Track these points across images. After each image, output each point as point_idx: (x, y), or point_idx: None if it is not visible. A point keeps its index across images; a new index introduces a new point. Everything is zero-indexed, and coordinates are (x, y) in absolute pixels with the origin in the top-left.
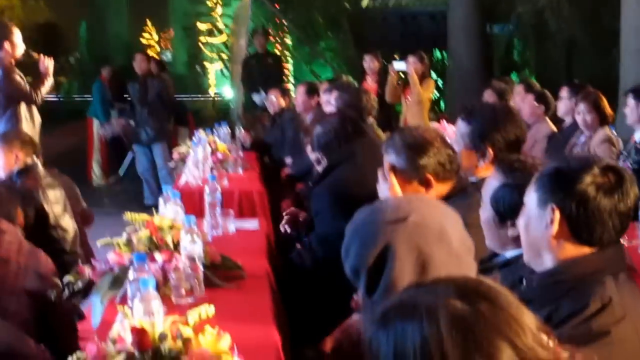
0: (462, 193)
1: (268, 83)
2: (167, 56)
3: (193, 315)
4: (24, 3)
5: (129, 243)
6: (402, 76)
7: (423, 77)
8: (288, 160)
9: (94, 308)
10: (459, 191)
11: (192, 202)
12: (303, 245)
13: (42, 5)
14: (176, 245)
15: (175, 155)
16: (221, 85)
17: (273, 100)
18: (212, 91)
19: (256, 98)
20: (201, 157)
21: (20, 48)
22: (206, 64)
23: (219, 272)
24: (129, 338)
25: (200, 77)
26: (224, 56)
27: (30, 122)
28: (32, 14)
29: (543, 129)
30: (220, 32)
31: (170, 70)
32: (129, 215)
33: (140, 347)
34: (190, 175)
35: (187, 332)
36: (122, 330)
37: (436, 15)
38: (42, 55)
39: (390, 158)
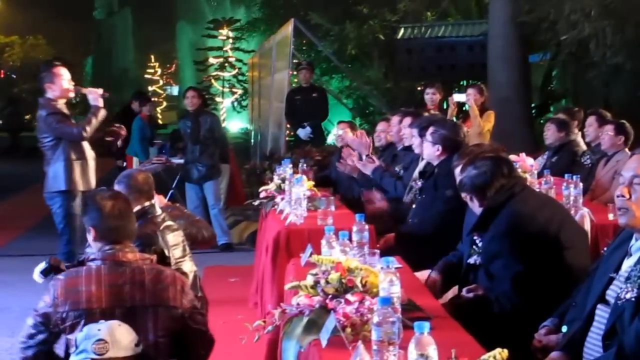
0: None
1: (314, 117)
2: (172, 90)
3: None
4: (24, 40)
5: (316, 285)
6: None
7: (483, 109)
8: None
9: (286, 352)
10: None
11: (302, 241)
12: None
13: (42, 42)
14: (364, 286)
15: (262, 193)
16: (232, 119)
17: (342, 135)
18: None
19: (301, 133)
20: (302, 195)
21: (65, 88)
22: (217, 98)
23: (404, 314)
24: None
25: None
26: (238, 90)
27: (81, 160)
28: (32, 51)
29: (624, 159)
30: (232, 66)
31: (177, 104)
32: (315, 258)
33: None
34: (293, 215)
35: None
36: None
37: (474, 46)
38: (89, 88)
39: None
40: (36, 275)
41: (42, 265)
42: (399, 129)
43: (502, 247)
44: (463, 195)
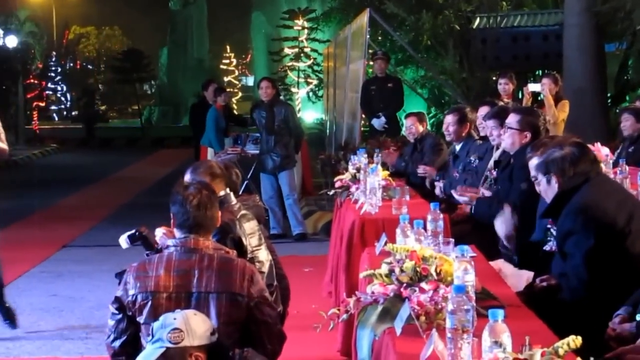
0: None
1: (388, 107)
2: (247, 80)
3: (562, 347)
4: (100, 31)
5: (390, 274)
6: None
7: (557, 98)
8: (439, 184)
9: (360, 341)
10: None
11: (376, 230)
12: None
13: (118, 33)
14: (438, 274)
15: (337, 183)
16: (307, 109)
17: (411, 126)
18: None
19: (375, 123)
20: (377, 184)
21: None
22: (292, 88)
23: (478, 302)
24: None
25: None
26: (313, 80)
27: None
28: (108, 42)
29: None
30: (307, 56)
31: (252, 94)
32: (390, 246)
33: None
34: (367, 204)
35: None
36: None
37: (549, 35)
38: None
39: None
40: (122, 240)
41: (131, 232)
42: (456, 128)
43: (575, 224)
44: (540, 177)
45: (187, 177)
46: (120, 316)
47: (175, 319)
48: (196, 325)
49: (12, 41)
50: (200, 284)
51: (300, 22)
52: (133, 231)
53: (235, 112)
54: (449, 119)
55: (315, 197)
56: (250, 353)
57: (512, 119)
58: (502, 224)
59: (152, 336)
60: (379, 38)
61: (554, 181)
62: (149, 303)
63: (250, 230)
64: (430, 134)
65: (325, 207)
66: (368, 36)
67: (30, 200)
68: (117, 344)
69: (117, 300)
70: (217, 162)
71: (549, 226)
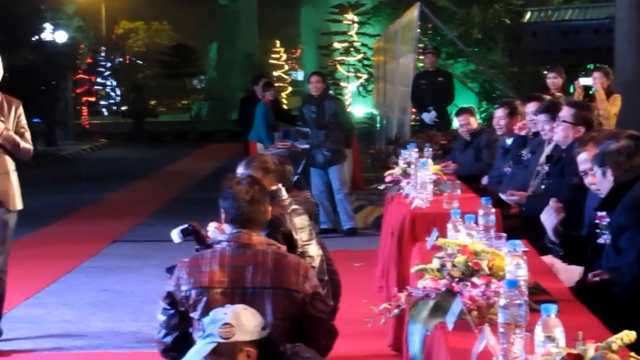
0: None
1: (439, 101)
2: (297, 75)
3: (615, 342)
4: (149, 26)
5: (442, 269)
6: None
7: (609, 92)
8: (484, 180)
9: (412, 336)
10: None
11: (427, 225)
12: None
13: (167, 28)
14: (490, 269)
15: (388, 178)
16: (357, 104)
17: (465, 123)
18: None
19: (426, 117)
20: (428, 179)
21: None
22: (342, 83)
23: (530, 297)
24: None
25: None
26: (363, 75)
27: None
28: (157, 37)
29: None
30: (357, 51)
31: (302, 89)
32: (441, 241)
33: None
34: (418, 199)
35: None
36: None
37: (600, 29)
38: None
39: None
40: (174, 234)
41: (183, 226)
42: (507, 121)
43: (629, 220)
44: (596, 169)
45: (240, 170)
46: (172, 312)
47: (225, 314)
48: (247, 320)
49: (61, 36)
50: (255, 279)
51: (350, 16)
52: (185, 225)
53: (284, 107)
54: (499, 113)
55: (365, 192)
56: (302, 348)
57: (566, 113)
58: (549, 218)
59: (203, 331)
60: (429, 32)
61: (609, 174)
62: (204, 299)
63: (300, 225)
64: (485, 130)
65: (376, 201)
66: (418, 30)
67: (79, 195)
68: (168, 339)
69: (170, 295)
70: (272, 157)
71: (597, 221)
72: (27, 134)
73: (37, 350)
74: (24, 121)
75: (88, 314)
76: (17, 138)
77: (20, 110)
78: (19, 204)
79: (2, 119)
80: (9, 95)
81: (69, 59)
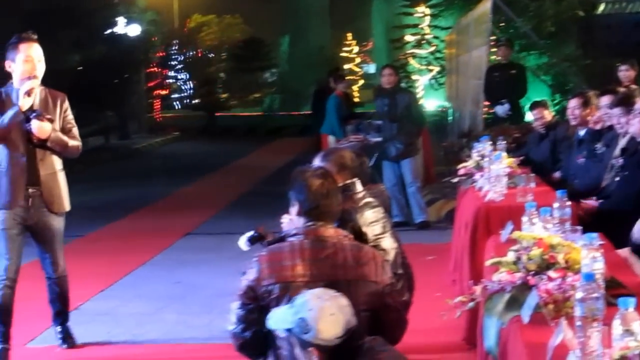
0: None
1: (512, 94)
2: (369, 68)
3: None
4: (221, 20)
5: (517, 262)
6: None
7: None
8: (557, 174)
9: (487, 329)
10: None
11: (501, 218)
12: None
13: (239, 21)
14: (566, 262)
15: (461, 171)
16: (429, 97)
17: (539, 116)
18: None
19: (499, 110)
20: (501, 172)
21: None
22: (414, 76)
23: (607, 291)
24: None
25: None
26: (435, 68)
27: None
28: (229, 30)
29: None
30: (429, 43)
31: (374, 82)
32: (516, 234)
33: None
34: (492, 192)
35: None
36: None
37: None
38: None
39: None
40: (242, 242)
41: (250, 233)
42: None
43: None
44: None
45: (316, 163)
46: (252, 306)
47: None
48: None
49: (134, 30)
50: (337, 272)
51: (421, 9)
52: (252, 232)
53: (355, 100)
54: (573, 103)
55: (437, 185)
56: (378, 341)
57: None
58: None
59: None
60: (501, 25)
61: None
62: (287, 293)
63: (373, 218)
64: (561, 122)
65: (448, 194)
66: (491, 23)
67: (152, 188)
68: (247, 334)
69: (250, 289)
70: (350, 153)
71: None
72: (75, 130)
73: (111, 342)
74: (70, 116)
75: (161, 306)
76: (65, 138)
77: (66, 104)
78: (66, 206)
79: (49, 116)
80: (54, 90)
81: (141, 53)
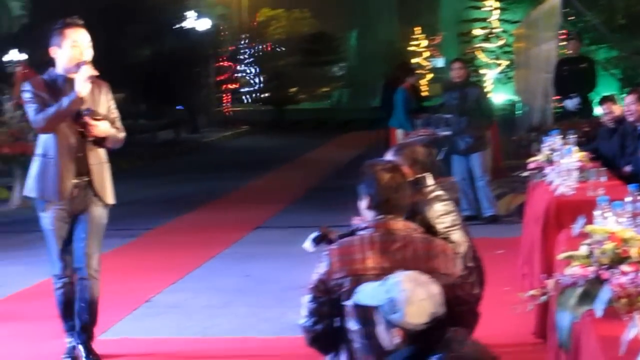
0: None
1: (582, 88)
2: (437, 62)
3: None
4: (290, 14)
5: (590, 256)
6: None
7: None
8: (627, 168)
9: (560, 323)
10: None
11: (572, 212)
12: None
13: (307, 16)
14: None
15: (531, 165)
16: (497, 91)
17: (609, 111)
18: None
19: (569, 104)
20: (572, 166)
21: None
22: (482, 70)
23: None
24: None
25: None
26: (503, 61)
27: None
28: (297, 25)
29: None
30: (497, 37)
31: (442, 76)
32: (589, 228)
33: None
34: (563, 186)
35: None
36: None
37: None
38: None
39: None
40: (308, 243)
41: (314, 234)
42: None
43: None
44: None
45: (389, 157)
46: (323, 299)
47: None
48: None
49: (203, 24)
50: (409, 265)
51: (490, 2)
52: (316, 233)
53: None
54: (628, 100)
55: (506, 179)
56: (460, 333)
57: None
58: None
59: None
60: (569, 18)
61: None
62: (359, 286)
63: (443, 211)
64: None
65: (517, 188)
66: (561, 16)
67: (222, 182)
68: (319, 327)
69: (321, 282)
70: (422, 147)
71: None
72: (118, 120)
73: (182, 335)
74: (114, 105)
75: (232, 299)
76: (113, 131)
77: (110, 94)
78: (113, 198)
79: (100, 116)
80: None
81: (211, 47)
